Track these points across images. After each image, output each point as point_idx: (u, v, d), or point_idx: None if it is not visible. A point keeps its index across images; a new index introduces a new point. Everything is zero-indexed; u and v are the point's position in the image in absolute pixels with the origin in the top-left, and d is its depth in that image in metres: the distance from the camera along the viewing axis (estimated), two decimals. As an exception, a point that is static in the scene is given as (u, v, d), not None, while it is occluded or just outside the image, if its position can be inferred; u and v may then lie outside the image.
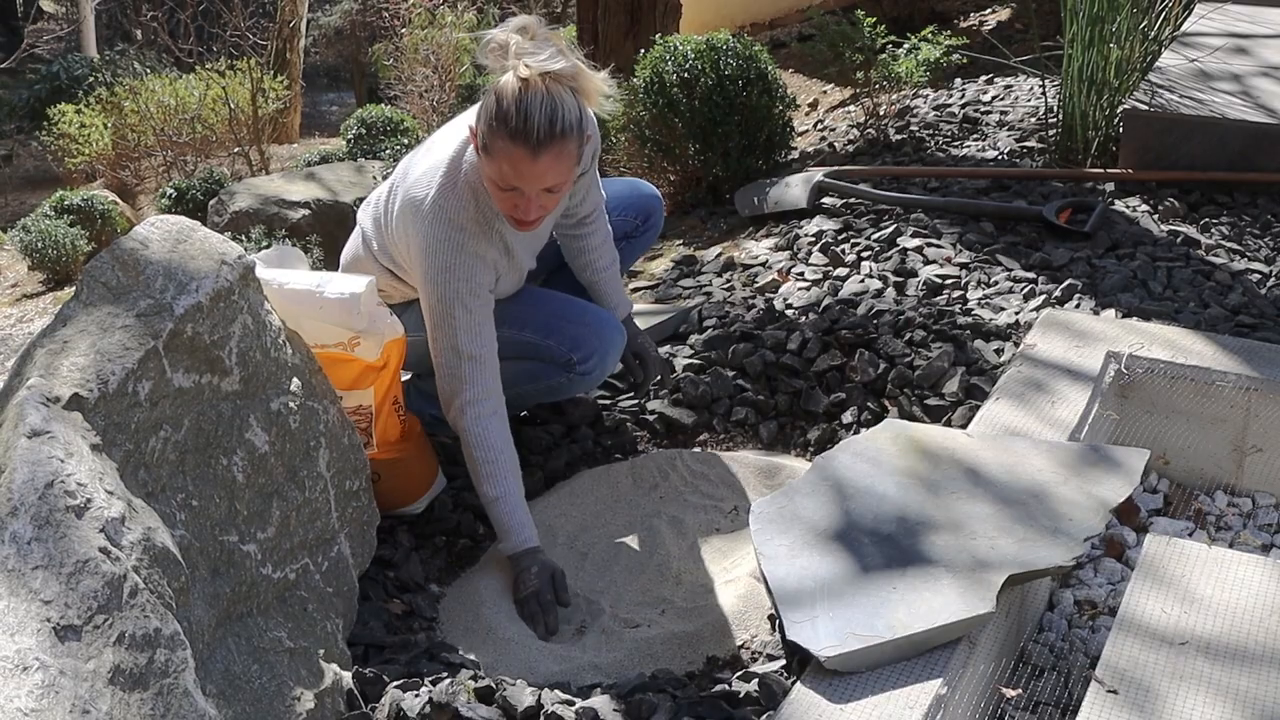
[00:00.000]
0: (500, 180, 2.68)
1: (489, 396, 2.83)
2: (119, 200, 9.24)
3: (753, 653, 2.48)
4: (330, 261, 6.04)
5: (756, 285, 3.93)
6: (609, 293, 3.25)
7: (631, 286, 4.24)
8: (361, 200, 6.64)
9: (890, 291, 3.72)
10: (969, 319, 3.48)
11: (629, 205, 3.36)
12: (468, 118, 2.88)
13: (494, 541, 2.95)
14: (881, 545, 2.44)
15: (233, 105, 9.48)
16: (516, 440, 3.22)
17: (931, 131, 5.14)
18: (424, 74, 9.77)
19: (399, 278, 3.03)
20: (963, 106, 5.42)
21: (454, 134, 2.92)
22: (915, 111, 5.45)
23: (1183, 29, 5.12)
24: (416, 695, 2.25)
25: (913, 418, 3.16)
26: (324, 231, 6.46)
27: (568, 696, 2.28)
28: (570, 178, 2.73)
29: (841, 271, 3.90)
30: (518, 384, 3.08)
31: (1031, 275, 3.75)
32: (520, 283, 3.09)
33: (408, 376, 3.24)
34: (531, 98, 2.60)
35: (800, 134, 5.65)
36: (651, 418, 3.31)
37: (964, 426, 2.96)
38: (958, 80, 5.81)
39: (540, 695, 2.25)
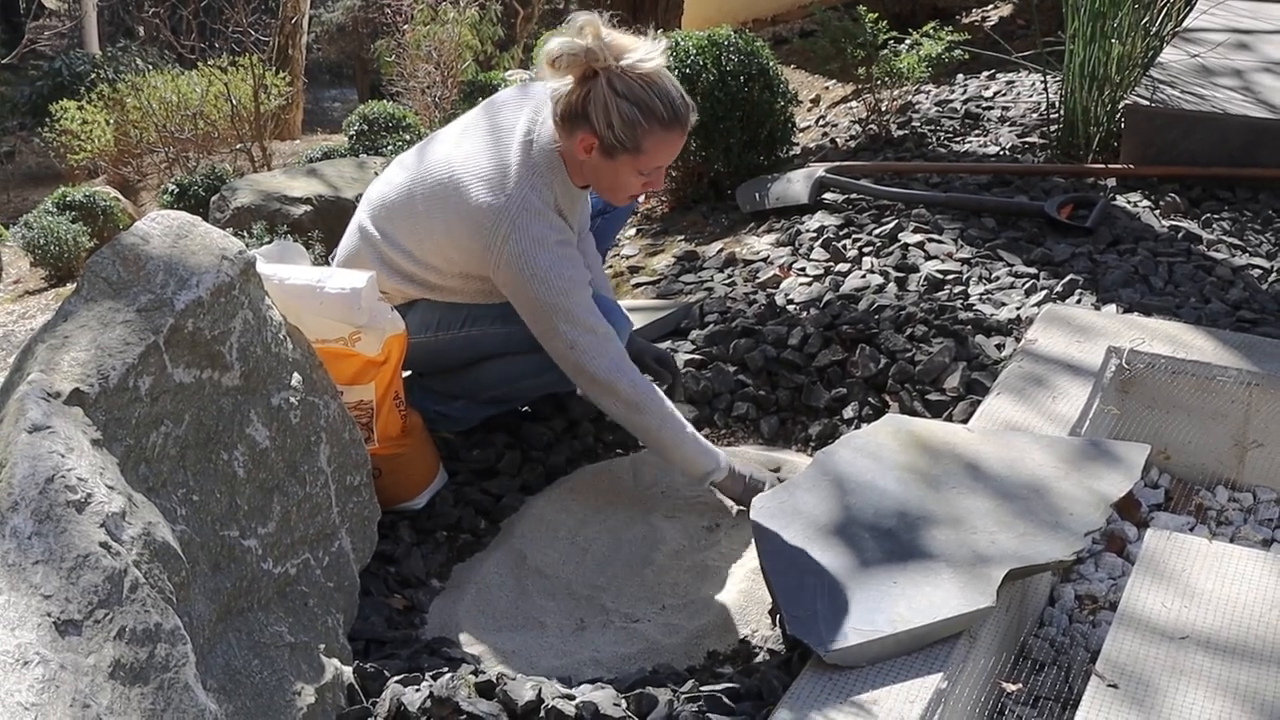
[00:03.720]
0: (648, 168, 2.82)
1: (618, 338, 2.89)
2: (121, 197, 9.25)
3: (753, 647, 2.48)
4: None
5: (758, 281, 3.93)
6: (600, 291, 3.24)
7: (633, 282, 4.24)
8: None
9: (891, 287, 3.71)
10: (970, 314, 3.48)
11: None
12: (493, 117, 2.96)
13: (495, 536, 2.96)
14: (882, 540, 2.44)
15: (235, 101, 9.48)
16: (517, 436, 3.23)
17: (933, 127, 5.14)
18: (426, 70, 9.76)
19: (409, 279, 3.01)
20: (964, 102, 5.42)
21: (485, 136, 2.94)
22: (917, 107, 5.45)
23: (1184, 24, 5.11)
24: (417, 690, 2.25)
25: (914, 413, 3.16)
26: (326, 227, 6.46)
27: (568, 691, 2.28)
28: None
29: (843, 267, 3.89)
30: (524, 377, 3.08)
31: (1033, 271, 3.75)
32: None
33: (409, 373, 3.24)
34: (662, 86, 2.76)
35: (802, 130, 5.64)
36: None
37: (965, 422, 2.96)
38: (959, 76, 5.81)
39: (541, 690, 2.25)
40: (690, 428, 2.85)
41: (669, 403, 2.85)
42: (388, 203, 3.02)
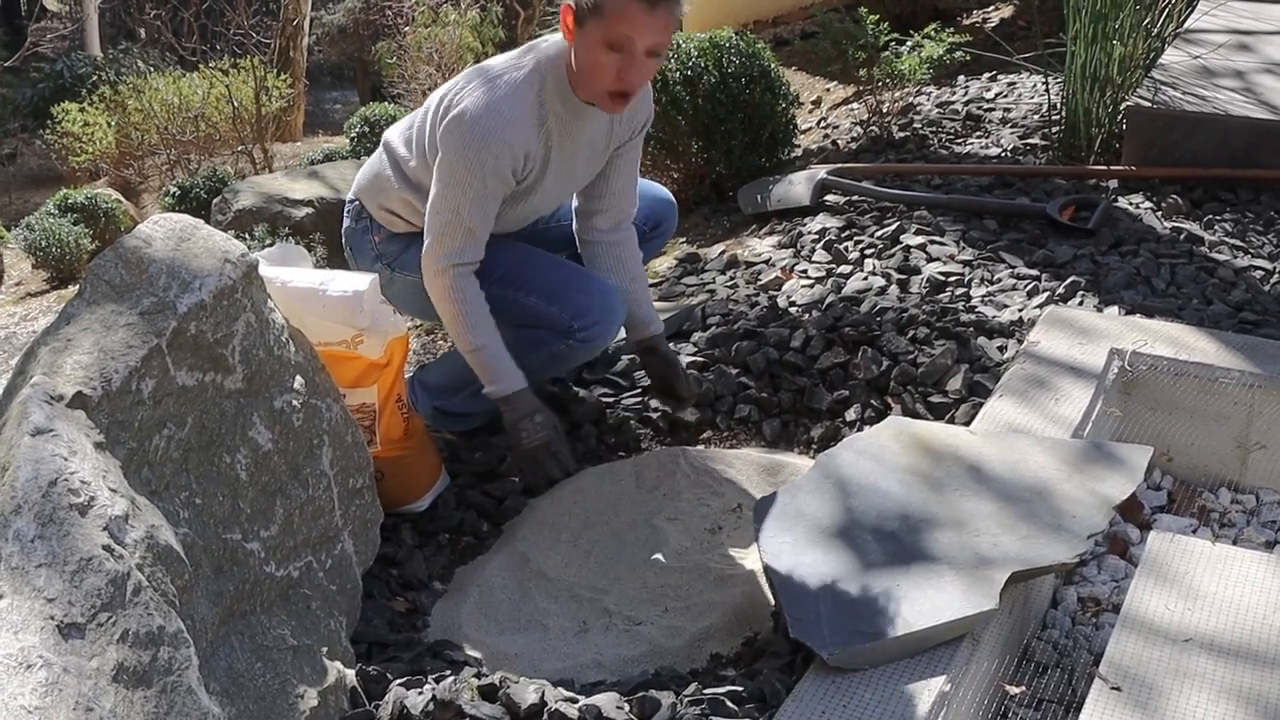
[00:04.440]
0: (612, 39, 2.77)
1: (473, 264, 2.94)
2: (123, 199, 9.25)
3: (756, 650, 2.48)
4: (333, 259, 6.03)
5: (760, 283, 3.93)
6: (642, 303, 3.26)
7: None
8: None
9: (893, 289, 3.71)
10: (972, 316, 3.48)
11: (642, 208, 3.35)
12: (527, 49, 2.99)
13: (497, 538, 2.96)
14: (885, 543, 2.44)
15: (236, 103, 9.48)
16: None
17: (935, 129, 5.14)
18: (427, 72, 9.76)
19: (417, 189, 3.04)
20: (966, 104, 5.42)
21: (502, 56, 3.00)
22: (918, 109, 5.44)
23: (1186, 26, 5.11)
24: (420, 693, 2.25)
25: (916, 415, 3.16)
26: (327, 230, 6.45)
27: (571, 694, 2.28)
28: (668, 42, 2.84)
29: (845, 269, 3.89)
30: (522, 353, 3.09)
31: (1035, 272, 3.75)
32: (530, 218, 3.14)
33: (410, 374, 3.24)
34: None
35: (803, 131, 5.64)
36: (655, 415, 3.31)
37: (967, 424, 2.96)
38: (961, 77, 5.81)
39: (544, 693, 2.25)
40: (495, 347, 2.96)
41: (489, 316, 2.96)
42: (405, 122, 3.13)
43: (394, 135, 3.14)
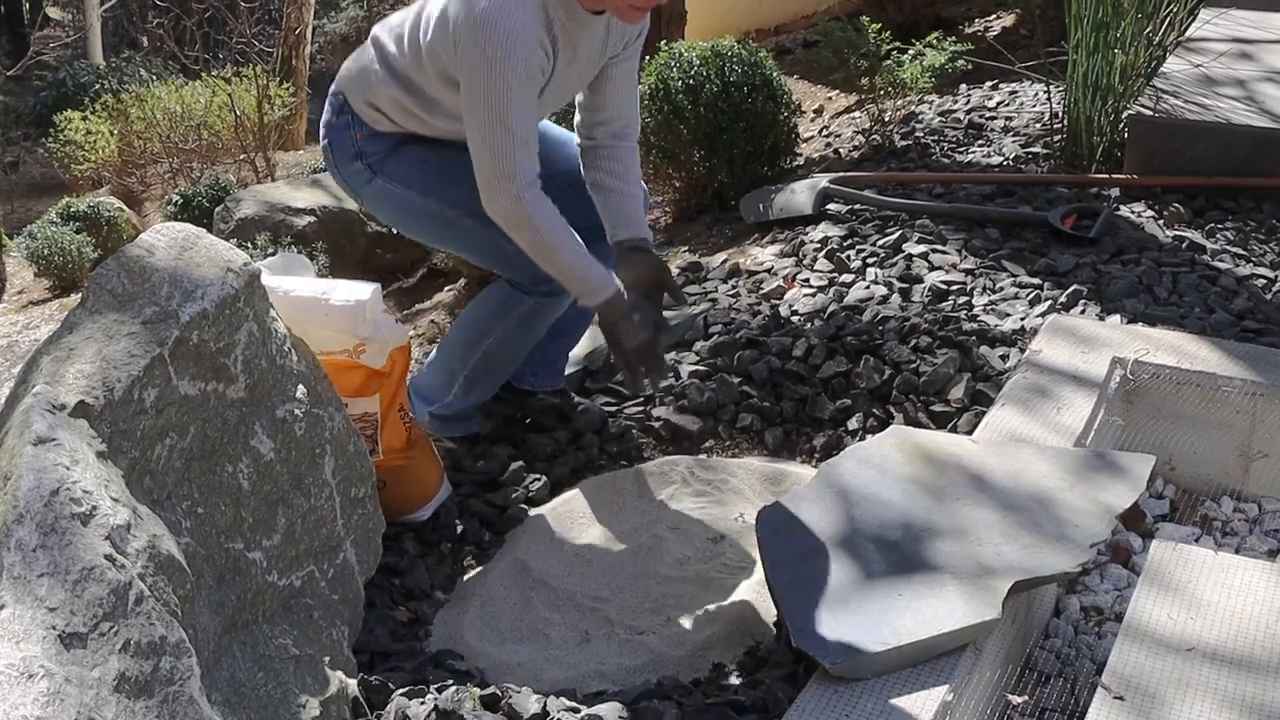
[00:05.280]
0: None
1: (537, 178, 2.79)
2: (125, 207, 9.25)
3: (758, 659, 2.47)
4: (336, 268, 6.04)
5: (762, 292, 3.93)
6: (637, 214, 3.09)
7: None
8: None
9: (896, 298, 3.71)
10: (974, 325, 3.48)
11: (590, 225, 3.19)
12: None
13: (499, 548, 2.95)
14: (887, 552, 2.44)
15: (239, 112, 9.50)
16: (521, 447, 3.24)
17: (936, 137, 5.14)
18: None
19: (406, 87, 2.93)
20: (968, 112, 5.42)
21: None
22: (920, 117, 5.45)
23: (1187, 34, 5.11)
24: (422, 703, 2.25)
25: (918, 424, 3.16)
26: (330, 238, 6.46)
27: (573, 704, 2.28)
28: None
29: (847, 278, 3.89)
30: (491, 329, 3.07)
31: (1037, 281, 3.75)
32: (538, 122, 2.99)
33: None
34: None
35: (805, 140, 5.65)
36: (657, 425, 3.30)
37: (969, 433, 2.96)
38: (963, 86, 5.81)
39: (546, 702, 2.26)
40: (583, 257, 2.80)
41: (564, 232, 2.79)
42: (395, 21, 3.00)
43: (382, 32, 3.02)
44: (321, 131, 3.13)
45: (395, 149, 3.02)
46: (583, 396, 3.42)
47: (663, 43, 5.12)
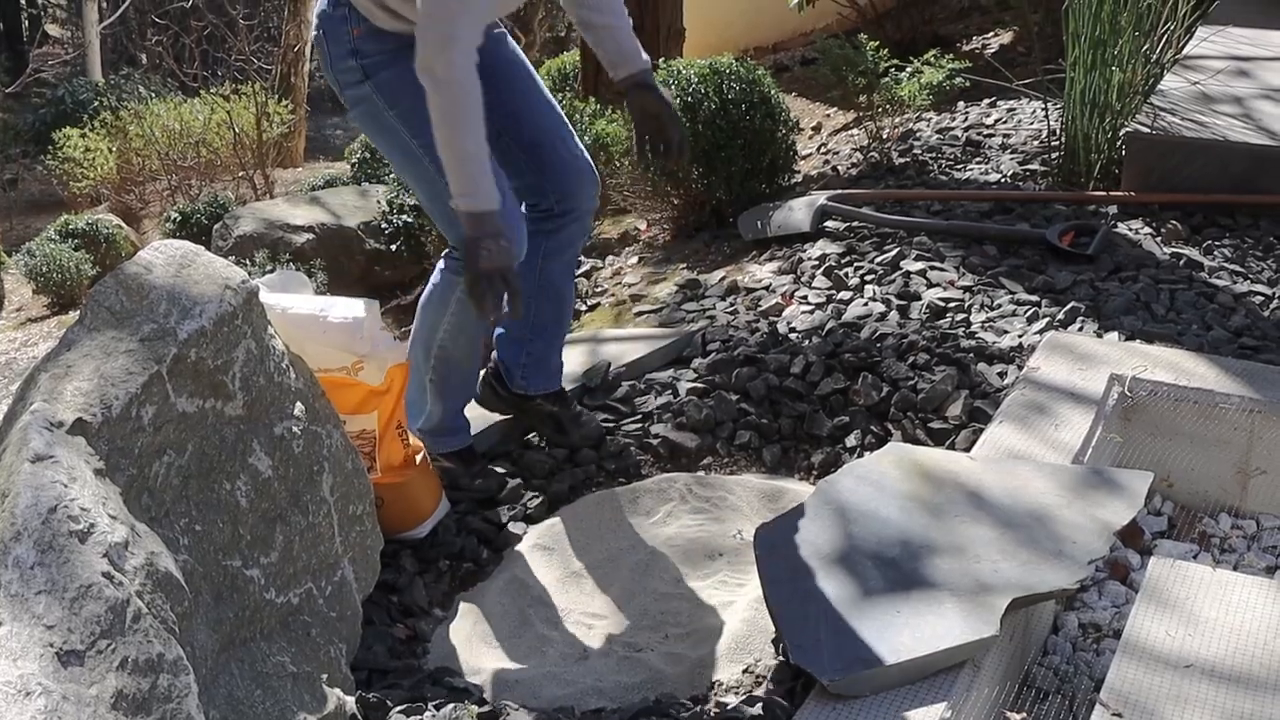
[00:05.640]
0: None
1: (475, 43, 2.64)
2: (124, 224, 9.26)
3: (756, 676, 2.47)
4: (335, 285, 6.04)
5: (760, 309, 3.93)
6: (626, 38, 3.01)
7: (635, 311, 4.24)
8: (366, 223, 6.67)
9: (893, 315, 3.72)
10: (972, 342, 3.48)
11: (547, 179, 3.10)
12: None
13: (497, 565, 2.95)
14: (885, 569, 2.43)
15: (237, 129, 9.51)
16: (518, 463, 3.23)
17: (934, 155, 5.15)
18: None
19: None
20: (965, 130, 5.43)
21: None
22: (918, 135, 5.46)
23: (1184, 52, 5.13)
24: (420, 720, 2.25)
25: (916, 441, 3.16)
26: (328, 256, 6.47)
27: (571, 721, 2.28)
28: None
29: (845, 295, 3.90)
30: (438, 323, 3.03)
31: (1034, 298, 3.75)
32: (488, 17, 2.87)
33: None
34: None
35: (803, 157, 5.65)
36: (655, 441, 3.30)
37: (967, 450, 2.96)
38: (960, 103, 5.82)
39: (543, 720, 2.25)
40: (483, 158, 2.65)
41: (477, 118, 2.64)
42: None
43: None
44: (314, 21, 2.99)
45: (395, 57, 2.86)
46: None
47: (661, 60, 5.13)
